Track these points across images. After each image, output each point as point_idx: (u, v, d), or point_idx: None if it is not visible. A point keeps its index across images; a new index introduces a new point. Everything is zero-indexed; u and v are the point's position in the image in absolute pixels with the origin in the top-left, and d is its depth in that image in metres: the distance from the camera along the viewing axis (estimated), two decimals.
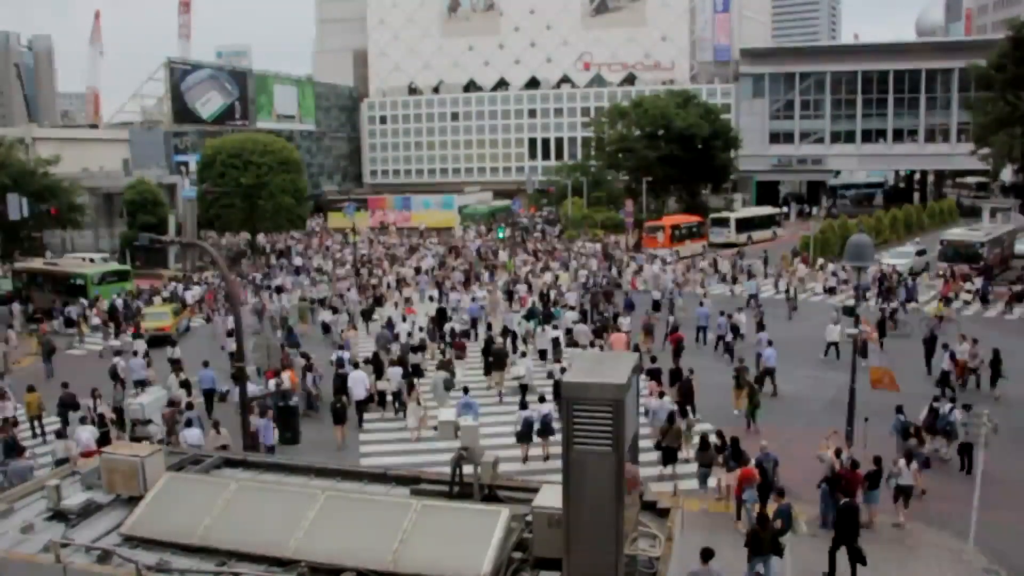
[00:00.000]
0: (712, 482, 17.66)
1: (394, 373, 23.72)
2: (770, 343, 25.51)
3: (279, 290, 41.65)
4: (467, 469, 8.54)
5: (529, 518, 7.34)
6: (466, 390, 21.59)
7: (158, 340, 31.48)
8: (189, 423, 19.36)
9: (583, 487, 6.31)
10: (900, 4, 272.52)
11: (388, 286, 42.39)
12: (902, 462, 16.14)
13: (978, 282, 38.64)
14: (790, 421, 21.91)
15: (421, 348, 27.76)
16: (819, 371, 25.15)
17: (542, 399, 20.76)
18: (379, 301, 38.01)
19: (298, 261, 54.40)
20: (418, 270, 47.18)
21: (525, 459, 19.60)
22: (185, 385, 23.60)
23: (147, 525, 7.77)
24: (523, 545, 7.24)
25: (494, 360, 25.99)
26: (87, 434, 18.82)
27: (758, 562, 12.79)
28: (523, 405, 21.07)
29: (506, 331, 29.99)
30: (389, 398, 23.83)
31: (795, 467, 18.45)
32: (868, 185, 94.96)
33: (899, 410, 18.94)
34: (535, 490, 7.68)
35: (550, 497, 7.02)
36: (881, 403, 20.88)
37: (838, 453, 15.75)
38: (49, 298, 39.56)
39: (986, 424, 14.55)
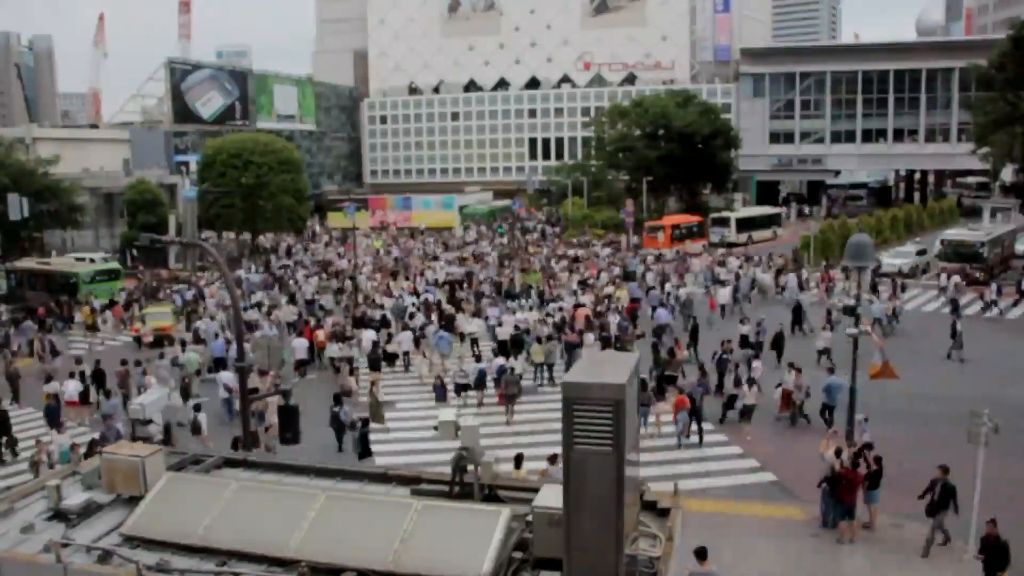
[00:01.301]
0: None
1: (404, 337, 28.24)
2: (662, 304, 30.89)
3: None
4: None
5: (529, 518, 7.34)
6: (442, 325, 29.25)
7: (159, 341, 31.53)
8: (223, 366, 23.76)
9: (583, 487, 6.33)
10: (900, 4, 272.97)
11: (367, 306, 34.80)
12: (745, 387, 21.67)
13: (867, 275, 39.06)
14: (790, 421, 21.90)
15: (411, 316, 32.37)
16: (818, 371, 25.20)
17: (495, 353, 26.67)
18: (361, 322, 31.69)
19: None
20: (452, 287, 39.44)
21: (480, 403, 23.68)
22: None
23: (147, 525, 7.77)
24: (523, 545, 7.25)
25: (444, 324, 30.84)
26: (73, 386, 22.93)
27: None
28: (477, 358, 26.04)
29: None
30: (400, 357, 28.17)
31: (796, 467, 18.47)
32: (852, 185, 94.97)
33: (726, 350, 24.11)
34: (535, 490, 7.67)
35: (550, 497, 7.02)
36: (882, 403, 20.86)
37: (838, 453, 15.76)
38: (42, 297, 39.88)
39: (987, 424, 14.52)
